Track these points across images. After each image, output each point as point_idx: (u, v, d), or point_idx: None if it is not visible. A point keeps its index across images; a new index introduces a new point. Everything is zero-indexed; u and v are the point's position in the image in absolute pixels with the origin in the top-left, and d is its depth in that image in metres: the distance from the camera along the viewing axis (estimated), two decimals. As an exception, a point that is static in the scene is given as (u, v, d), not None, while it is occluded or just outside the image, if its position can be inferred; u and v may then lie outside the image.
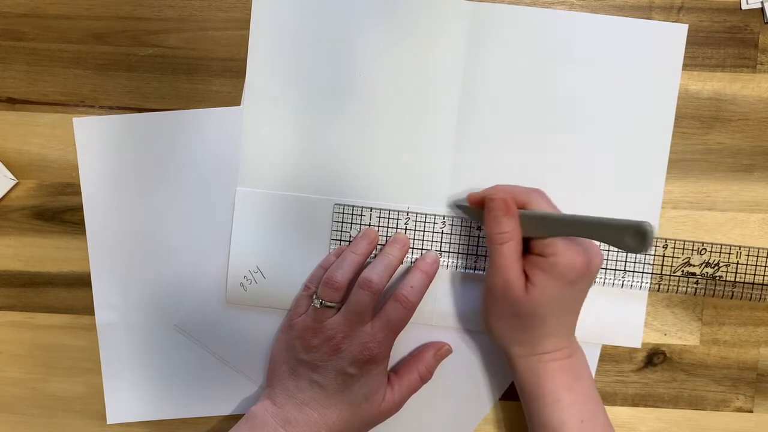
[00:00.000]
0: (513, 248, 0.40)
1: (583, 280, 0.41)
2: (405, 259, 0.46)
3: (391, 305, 0.43)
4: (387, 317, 0.43)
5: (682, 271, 0.47)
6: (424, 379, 0.46)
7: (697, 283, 0.47)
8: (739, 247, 0.47)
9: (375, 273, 0.43)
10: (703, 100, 0.47)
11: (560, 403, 0.41)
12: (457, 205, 0.46)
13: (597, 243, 0.42)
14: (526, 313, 0.41)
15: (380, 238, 0.46)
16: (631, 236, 0.36)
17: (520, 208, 0.41)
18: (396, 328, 0.43)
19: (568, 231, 0.39)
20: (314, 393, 0.43)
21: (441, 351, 0.47)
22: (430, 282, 0.45)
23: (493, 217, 0.41)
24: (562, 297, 0.41)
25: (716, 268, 0.47)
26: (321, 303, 0.43)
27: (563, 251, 0.40)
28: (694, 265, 0.47)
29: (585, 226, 0.38)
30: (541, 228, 0.40)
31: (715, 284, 0.47)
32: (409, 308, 0.43)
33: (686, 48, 0.46)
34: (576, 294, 0.42)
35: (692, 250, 0.47)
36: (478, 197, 0.44)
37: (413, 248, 0.47)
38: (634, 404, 0.49)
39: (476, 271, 0.47)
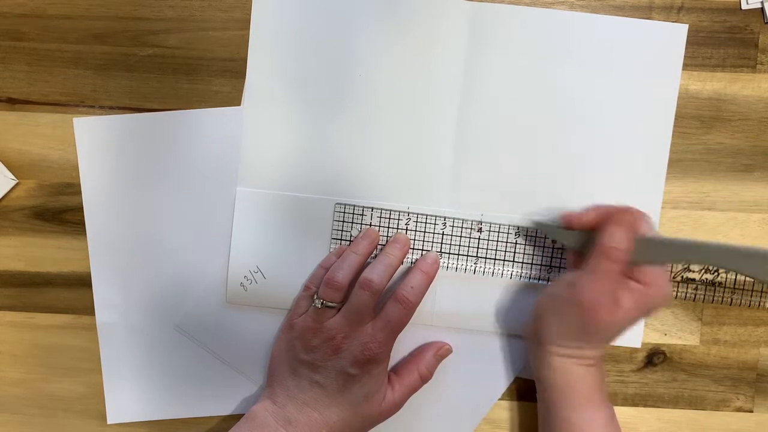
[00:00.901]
0: (618, 267, 0.40)
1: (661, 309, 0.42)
2: (405, 259, 0.46)
3: (391, 305, 0.43)
4: (387, 317, 0.43)
5: (682, 276, 0.47)
6: (425, 378, 0.46)
7: (696, 289, 0.47)
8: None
9: (375, 273, 0.43)
10: (703, 100, 0.47)
11: (592, 402, 0.42)
12: (537, 222, 0.46)
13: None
14: (598, 331, 0.41)
15: (381, 238, 0.46)
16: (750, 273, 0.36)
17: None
18: (396, 328, 0.43)
19: (697, 258, 0.39)
20: (315, 393, 0.43)
21: (441, 351, 0.47)
22: (431, 282, 0.45)
23: (617, 230, 0.41)
24: (636, 321, 0.41)
25: (716, 274, 0.47)
26: (322, 303, 0.43)
27: (660, 282, 0.40)
28: (693, 271, 0.47)
29: (719, 253, 0.37)
30: (656, 254, 0.40)
31: (714, 290, 0.47)
32: (410, 308, 0.43)
33: (686, 48, 0.46)
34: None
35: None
36: (579, 218, 0.44)
37: (413, 249, 0.47)
38: (634, 404, 0.49)
39: (476, 273, 0.47)
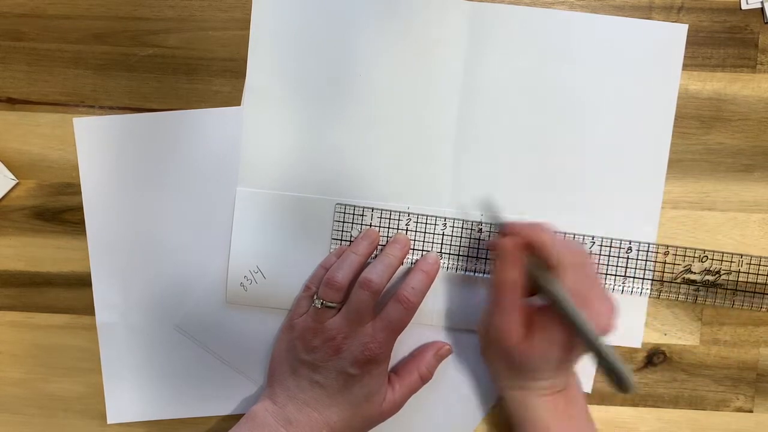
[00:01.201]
0: (512, 298, 0.41)
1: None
2: (405, 260, 0.46)
3: (392, 306, 0.43)
4: (388, 318, 0.43)
5: (683, 278, 0.47)
6: (425, 379, 0.46)
7: (697, 290, 0.47)
8: (741, 255, 0.47)
9: (375, 273, 0.43)
10: (703, 100, 0.47)
11: None
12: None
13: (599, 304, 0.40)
14: (519, 361, 0.41)
15: (381, 238, 0.46)
16: (614, 383, 0.37)
17: (532, 248, 0.41)
18: (397, 328, 0.43)
19: (570, 324, 0.38)
20: (315, 393, 0.43)
21: (441, 351, 0.47)
22: (431, 282, 0.45)
23: (499, 264, 0.41)
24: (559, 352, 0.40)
25: (717, 275, 0.47)
26: (322, 303, 0.43)
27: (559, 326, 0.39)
28: (694, 272, 0.47)
29: (584, 337, 0.38)
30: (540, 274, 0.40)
31: (716, 292, 0.47)
32: (410, 309, 0.43)
33: (686, 48, 0.46)
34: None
35: (693, 257, 0.47)
36: (492, 244, 0.43)
37: (414, 249, 0.47)
38: (634, 404, 0.49)
39: (476, 273, 0.47)
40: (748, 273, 0.47)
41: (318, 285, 0.45)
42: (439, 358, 0.47)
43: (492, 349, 0.43)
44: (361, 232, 0.46)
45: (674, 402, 0.49)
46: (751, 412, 0.49)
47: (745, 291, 0.47)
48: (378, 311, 0.43)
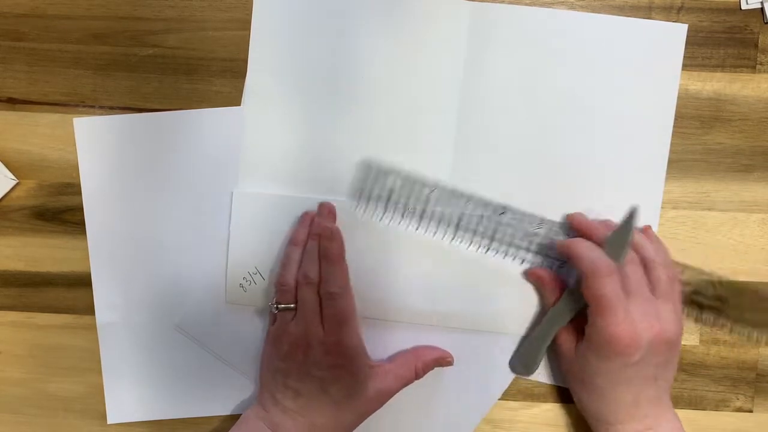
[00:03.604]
0: (616, 278, 0.40)
1: (628, 356, 0.39)
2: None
3: (325, 304, 0.42)
4: (330, 315, 0.42)
5: (692, 298, 0.46)
6: (419, 376, 0.46)
7: (701, 311, 0.47)
8: (757, 290, 0.47)
9: (310, 267, 0.43)
10: (703, 100, 0.47)
11: None
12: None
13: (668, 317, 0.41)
14: (575, 372, 0.42)
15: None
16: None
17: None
18: (343, 320, 0.42)
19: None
20: (296, 400, 0.43)
21: (443, 360, 0.46)
22: (342, 258, 0.44)
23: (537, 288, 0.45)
24: (610, 370, 0.41)
25: (726, 304, 0.47)
26: (277, 307, 0.44)
27: (599, 323, 0.40)
28: (703, 295, 0.46)
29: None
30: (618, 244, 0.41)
31: (720, 318, 0.47)
32: (341, 296, 0.42)
33: (686, 48, 0.46)
34: (634, 368, 0.40)
35: (707, 283, 0.46)
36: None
37: (413, 248, 0.46)
38: (634, 404, 0.49)
39: (476, 273, 0.47)
40: (757, 309, 0.47)
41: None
42: (439, 365, 0.46)
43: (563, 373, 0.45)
44: (296, 221, 0.46)
45: (674, 402, 0.48)
46: (751, 412, 0.48)
47: (752, 325, 0.47)
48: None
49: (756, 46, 0.47)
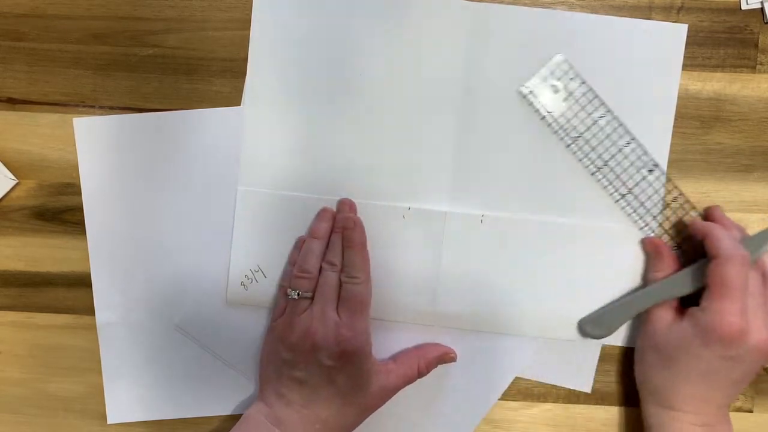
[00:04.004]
0: (747, 273, 0.41)
1: (729, 347, 0.40)
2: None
3: (344, 289, 0.43)
4: (347, 300, 0.43)
5: None
6: (421, 374, 0.46)
7: None
8: None
9: (334, 255, 0.44)
10: (703, 100, 0.47)
11: None
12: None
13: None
14: (660, 346, 0.42)
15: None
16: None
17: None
18: (359, 308, 0.43)
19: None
20: (301, 391, 0.43)
21: (446, 357, 0.46)
22: (365, 246, 0.45)
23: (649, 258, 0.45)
24: (701, 357, 0.41)
25: None
26: (298, 294, 0.44)
27: (715, 307, 0.40)
28: None
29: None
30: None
31: None
32: (361, 283, 0.44)
33: (686, 48, 0.46)
34: (724, 363, 0.41)
35: None
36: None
37: (414, 249, 0.46)
38: (635, 404, 0.49)
39: (476, 273, 0.47)
40: None
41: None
42: (442, 361, 0.47)
43: (640, 347, 0.45)
44: (316, 216, 0.46)
45: (674, 402, 0.48)
46: (751, 412, 0.48)
47: None
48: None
49: (756, 46, 0.47)
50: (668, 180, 0.46)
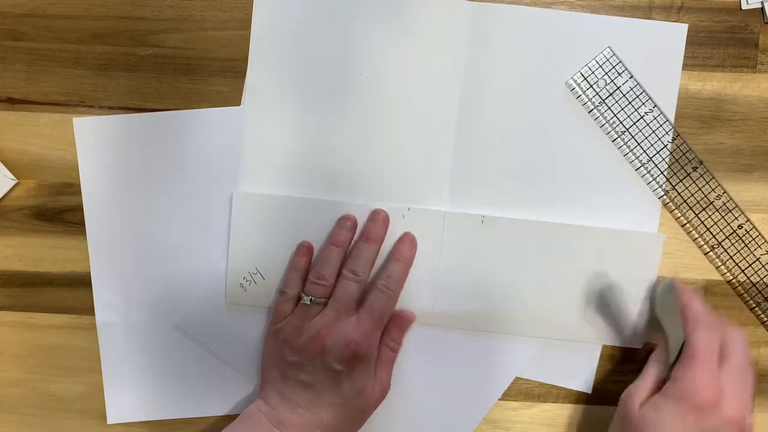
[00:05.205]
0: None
1: (707, 416, 0.39)
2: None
3: (374, 295, 0.44)
4: (371, 308, 0.43)
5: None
6: (395, 350, 0.46)
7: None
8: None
9: (360, 263, 0.44)
10: (703, 100, 0.47)
11: None
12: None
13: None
14: (634, 427, 0.40)
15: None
16: None
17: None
18: (380, 317, 0.43)
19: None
20: (306, 394, 0.43)
21: (401, 319, 0.46)
22: (409, 268, 0.45)
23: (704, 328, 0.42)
24: (675, 426, 0.39)
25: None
26: (312, 300, 0.43)
27: (691, 375, 0.39)
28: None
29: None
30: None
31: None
32: (392, 297, 0.44)
33: (686, 48, 0.46)
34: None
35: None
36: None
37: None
38: (634, 404, 0.49)
39: (476, 272, 0.47)
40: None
41: (295, 287, 0.45)
42: (400, 326, 0.46)
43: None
44: (337, 222, 0.46)
45: (674, 402, 0.48)
46: (751, 412, 0.48)
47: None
48: (360, 304, 0.44)
49: (756, 46, 0.47)
50: (712, 178, 0.46)
